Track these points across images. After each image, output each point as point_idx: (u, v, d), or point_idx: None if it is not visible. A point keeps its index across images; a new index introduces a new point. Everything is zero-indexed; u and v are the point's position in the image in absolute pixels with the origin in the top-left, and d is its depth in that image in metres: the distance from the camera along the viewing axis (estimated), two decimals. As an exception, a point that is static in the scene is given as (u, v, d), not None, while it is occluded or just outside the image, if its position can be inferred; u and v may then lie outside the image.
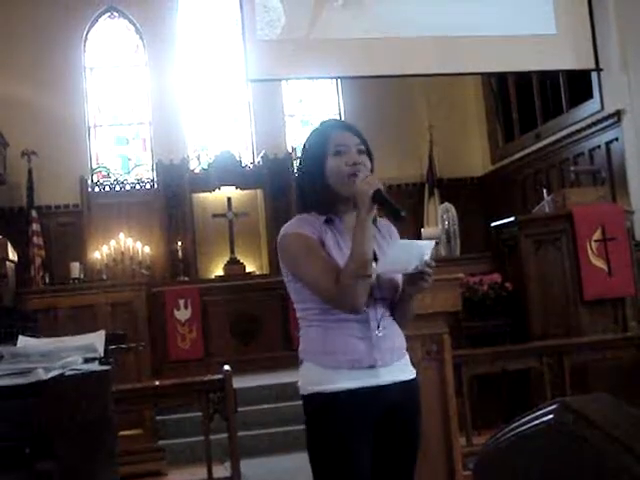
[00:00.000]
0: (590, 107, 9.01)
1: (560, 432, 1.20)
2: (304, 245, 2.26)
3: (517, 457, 1.28)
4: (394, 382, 2.28)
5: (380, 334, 2.26)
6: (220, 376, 4.98)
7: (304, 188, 2.38)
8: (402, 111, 11.17)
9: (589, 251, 6.15)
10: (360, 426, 2.23)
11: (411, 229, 8.78)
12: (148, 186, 10.76)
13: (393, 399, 2.27)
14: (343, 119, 10.34)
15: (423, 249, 2.22)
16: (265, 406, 6.69)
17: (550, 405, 1.25)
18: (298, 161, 2.49)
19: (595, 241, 6.16)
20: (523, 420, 1.28)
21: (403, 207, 2.20)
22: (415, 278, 2.25)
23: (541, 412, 1.25)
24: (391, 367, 2.28)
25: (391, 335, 2.31)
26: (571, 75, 9.33)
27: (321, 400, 2.25)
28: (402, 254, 2.21)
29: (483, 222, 10.04)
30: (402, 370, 2.32)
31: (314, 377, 2.27)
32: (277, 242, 2.34)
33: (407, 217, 2.22)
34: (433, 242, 2.30)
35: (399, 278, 2.32)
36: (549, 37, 8.23)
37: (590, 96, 9.01)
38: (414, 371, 2.38)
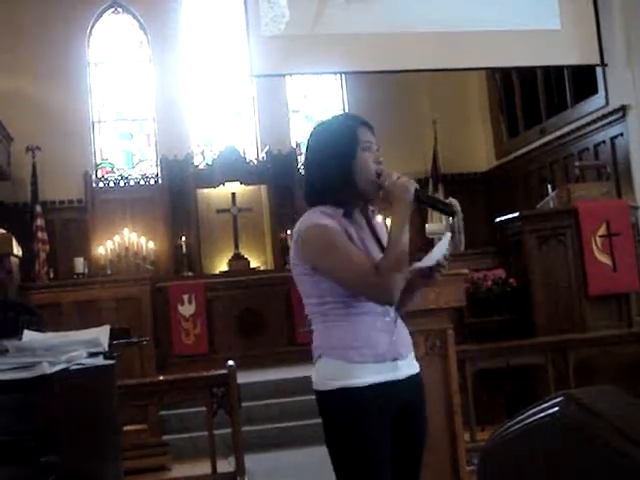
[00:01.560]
0: (595, 102, 8.98)
1: (565, 424, 1.20)
2: (333, 237, 2.19)
3: (522, 449, 1.28)
4: (408, 376, 2.29)
5: (397, 327, 2.30)
6: (224, 371, 4.99)
7: (319, 180, 2.29)
8: (406, 106, 11.15)
9: (594, 246, 6.15)
10: (383, 420, 2.23)
11: (415, 224, 8.77)
12: (152, 181, 10.78)
13: (407, 393, 2.29)
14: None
15: (445, 243, 2.27)
16: (269, 401, 6.69)
17: (555, 397, 1.25)
18: (310, 153, 2.37)
19: (600, 236, 6.15)
20: (529, 412, 1.28)
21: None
22: (432, 271, 2.28)
23: (547, 404, 1.25)
24: (405, 361, 2.30)
25: (403, 328, 2.35)
26: (576, 70, 9.30)
27: (345, 395, 2.21)
28: (437, 249, 2.26)
29: (487, 217, 10.02)
30: (412, 364, 2.34)
31: (337, 372, 2.22)
32: (297, 235, 2.25)
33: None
34: (449, 234, 2.34)
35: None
36: (554, 32, 8.20)
37: (595, 91, 8.99)
38: (418, 365, 2.39)
